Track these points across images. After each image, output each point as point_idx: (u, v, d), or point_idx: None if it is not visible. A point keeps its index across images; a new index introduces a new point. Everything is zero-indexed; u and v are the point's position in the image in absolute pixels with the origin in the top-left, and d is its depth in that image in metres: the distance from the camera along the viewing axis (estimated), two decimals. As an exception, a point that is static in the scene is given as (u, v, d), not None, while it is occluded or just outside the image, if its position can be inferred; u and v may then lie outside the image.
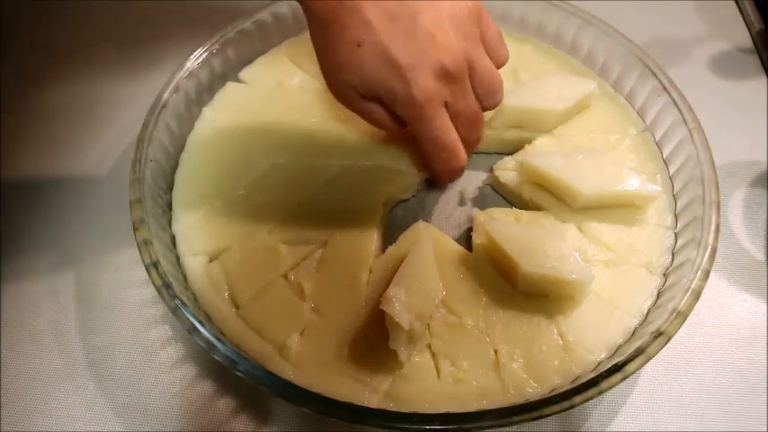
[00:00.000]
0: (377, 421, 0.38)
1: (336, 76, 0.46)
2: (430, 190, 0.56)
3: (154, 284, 0.43)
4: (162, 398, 0.47)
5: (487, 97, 0.49)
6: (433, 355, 0.44)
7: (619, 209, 0.51)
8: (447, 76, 0.45)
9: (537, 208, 0.52)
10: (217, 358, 0.40)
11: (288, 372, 0.43)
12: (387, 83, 0.44)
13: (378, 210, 0.51)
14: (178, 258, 0.49)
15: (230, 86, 0.59)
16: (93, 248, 0.54)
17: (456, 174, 0.52)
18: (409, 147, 0.54)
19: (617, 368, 0.40)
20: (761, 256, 0.54)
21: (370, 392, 0.42)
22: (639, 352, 0.41)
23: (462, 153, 0.49)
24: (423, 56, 0.44)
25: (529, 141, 0.56)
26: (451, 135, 0.48)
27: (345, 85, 0.46)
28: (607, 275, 0.48)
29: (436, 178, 0.54)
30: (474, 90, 0.47)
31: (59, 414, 0.46)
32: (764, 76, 0.67)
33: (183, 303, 0.42)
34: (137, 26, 0.71)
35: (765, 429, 0.46)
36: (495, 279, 0.47)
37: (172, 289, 0.43)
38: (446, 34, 0.44)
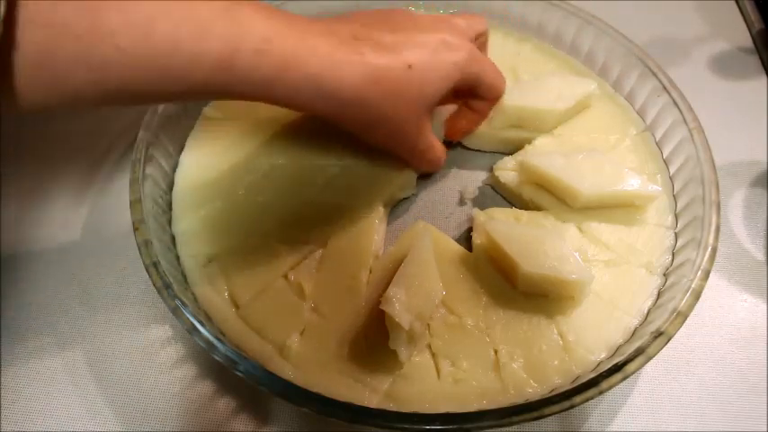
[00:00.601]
0: (377, 421, 0.38)
1: (418, 111, 0.45)
2: (430, 190, 0.56)
3: (154, 284, 0.43)
4: (162, 398, 0.47)
5: (472, 27, 0.51)
6: (433, 355, 0.44)
7: (619, 209, 0.51)
8: (460, 32, 0.48)
9: (537, 208, 0.52)
10: (217, 358, 0.40)
11: (288, 372, 0.43)
12: (453, 65, 0.45)
13: (378, 210, 0.51)
14: (178, 258, 0.49)
15: (230, 86, 0.59)
16: (93, 248, 0.54)
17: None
18: None
19: (617, 368, 0.40)
20: (761, 256, 0.54)
21: (370, 392, 0.42)
22: (639, 352, 0.41)
23: None
24: (442, 28, 0.46)
25: (529, 141, 0.55)
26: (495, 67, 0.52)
27: (424, 115, 0.46)
28: (607, 275, 0.48)
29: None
30: None
31: (59, 414, 0.46)
32: (764, 76, 0.67)
33: (183, 303, 0.42)
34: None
35: (765, 429, 0.46)
36: (495, 279, 0.47)
37: (172, 289, 0.43)
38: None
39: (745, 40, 0.71)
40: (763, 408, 0.47)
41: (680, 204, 0.51)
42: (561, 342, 0.44)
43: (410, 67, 0.42)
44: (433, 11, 0.65)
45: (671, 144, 0.54)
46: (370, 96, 0.41)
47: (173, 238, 0.50)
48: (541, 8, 0.61)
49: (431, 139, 0.49)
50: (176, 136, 0.55)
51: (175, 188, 0.53)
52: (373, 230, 0.50)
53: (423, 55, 0.43)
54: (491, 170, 0.55)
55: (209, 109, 0.57)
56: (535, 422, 0.44)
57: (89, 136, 0.62)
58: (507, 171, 0.54)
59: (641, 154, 0.55)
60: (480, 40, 0.53)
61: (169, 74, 0.31)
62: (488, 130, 0.56)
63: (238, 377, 0.40)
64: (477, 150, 0.58)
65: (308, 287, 0.47)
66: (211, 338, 0.41)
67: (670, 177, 0.53)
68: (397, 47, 0.42)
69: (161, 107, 0.52)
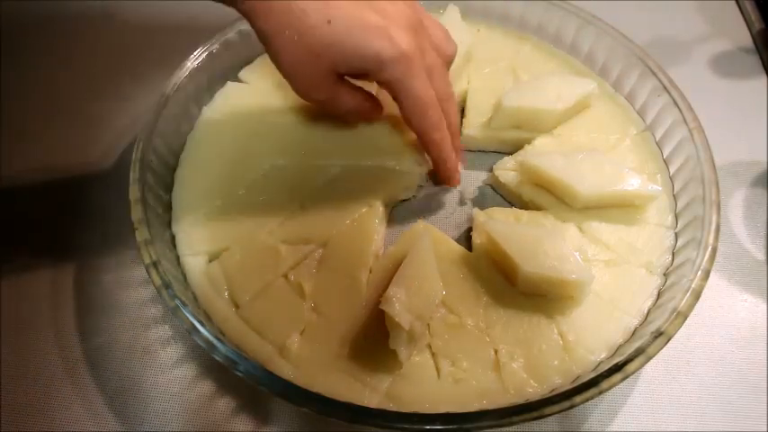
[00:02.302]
0: (377, 421, 0.38)
1: (317, 65, 0.45)
2: (430, 190, 0.56)
3: (154, 284, 0.43)
4: (162, 398, 0.47)
5: (443, 44, 0.50)
6: (433, 354, 0.44)
7: (619, 209, 0.51)
8: (414, 31, 0.46)
9: (537, 208, 0.52)
10: (217, 358, 0.40)
11: (288, 372, 0.43)
12: (371, 47, 0.44)
13: (378, 210, 0.51)
14: (178, 258, 0.49)
15: (230, 86, 0.59)
16: (93, 248, 0.54)
17: (447, 149, 0.51)
18: (409, 146, 0.54)
19: (617, 368, 0.40)
20: (761, 256, 0.54)
21: (370, 392, 0.42)
22: (639, 352, 0.41)
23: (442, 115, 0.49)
24: (390, 16, 0.45)
25: (529, 141, 0.56)
26: (432, 92, 0.48)
27: (326, 72, 0.46)
28: (607, 275, 0.48)
29: (435, 160, 0.52)
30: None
31: (59, 414, 0.46)
32: (765, 76, 0.67)
33: (183, 303, 0.42)
34: (137, 26, 0.71)
35: (765, 429, 0.46)
36: (495, 279, 0.47)
37: (172, 289, 0.43)
38: (391, 2, 0.46)
39: (746, 40, 0.71)
40: (763, 408, 0.47)
41: (680, 204, 0.51)
42: (561, 342, 0.44)
43: (329, 22, 0.43)
44: (434, 11, 0.65)
45: (671, 144, 0.54)
46: (271, 16, 0.43)
47: (173, 238, 0.50)
48: (541, 8, 0.61)
49: (340, 96, 0.48)
50: (176, 136, 0.55)
51: (175, 188, 0.53)
52: (373, 230, 0.50)
53: (348, 19, 0.43)
54: (491, 170, 0.55)
55: (209, 109, 0.57)
56: (535, 422, 0.44)
57: (90, 135, 0.62)
58: (507, 171, 0.54)
59: (641, 154, 0.55)
60: (444, 60, 0.50)
61: None
62: (488, 130, 0.57)
63: (238, 377, 0.40)
64: (477, 150, 0.58)
65: (308, 287, 0.47)
66: (211, 338, 0.41)
67: (670, 177, 0.53)
68: (333, 4, 0.43)
69: (160, 107, 0.52)
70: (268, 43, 0.45)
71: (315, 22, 0.43)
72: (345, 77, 0.48)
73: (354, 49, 0.44)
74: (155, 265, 0.44)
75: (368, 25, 0.44)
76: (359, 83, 0.50)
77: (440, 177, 0.53)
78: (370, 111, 0.52)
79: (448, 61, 0.51)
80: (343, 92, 0.49)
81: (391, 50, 0.44)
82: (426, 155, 0.53)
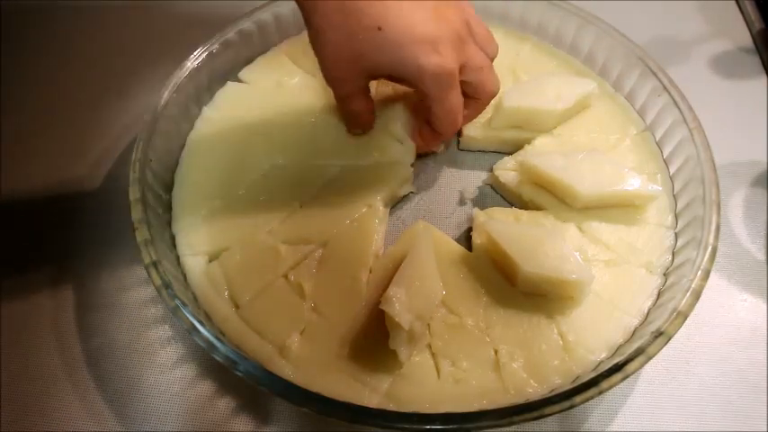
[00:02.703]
0: (377, 421, 0.38)
1: (357, 64, 0.46)
2: (430, 190, 0.56)
3: (154, 284, 0.43)
4: (162, 398, 0.47)
5: (488, 46, 0.51)
6: (433, 355, 0.44)
7: (619, 208, 0.50)
8: (461, 41, 0.47)
9: (537, 208, 0.52)
10: (217, 358, 0.40)
11: (288, 372, 0.43)
12: (416, 62, 0.45)
13: (378, 210, 0.51)
14: (178, 258, 0.49)
15: (230, 86, 0.59)
16: (93, 248, 0.54)
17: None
18: (401, 111, 0.55)
19: (617, 368, 0.40)
20: (761, 256, 0.54)
21: (370, 392, 0.42)
22: (640, 352, 0.41)
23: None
24: (440, 29, 0.45)
25: (529, 141, 0.56)
26: (460, 99, 0.50)
27: (362, 71, 0.47)
28: (607, 275, 0.48)
29: (433, 137, 0.54)
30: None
31: (59, 414, 0.46)
32: (765, 76, 0.67)
33: (183, 303, 0.42)
34: (137, 26, 0.71)
35: (765, 429, 0.46)
36: (495, 279, 0.47)
37: (172, 289, 0.43)
38: (445, 3, 0.47)
39: (746, 40, 0.70)
40: (763, 408, 0.47)
41: (680, 204, 0.51)
42: (561, 342, 0.44)
43: (379, 29, 0.44)
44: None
45: (671, 144, 0.54)
46: (327, 13, 0.44)
47: (173, 238, 0.50)
48: (541, 8, 0.61)
49: (358, 97, 0.50)
50: (176, 136, 0.55)
51: (175, 188, 0.53)
52: (373, 230, 0.50)
53: (399, 29, 0.44)
54: (491, 170, 0.55)
55: (209, 109, 0.57)
56: (535, 422, 0.44)
57: (89, 135, 0.62)
58: (507, 171, 0.54)
59: (641, 154, 0.55)
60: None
61: None
62: (488, 130, 0.56)
63: (238, 377, 0.40)
64: (477, 150, 0.58)
65: (308, 287, 0.47)
66: (211, 338, 0.41)
67: (670, 177, 0.53)
68: (389, 8, 0.44)
69: (160, 107, 0.52)
70: (316, 36, 0.46)
71: (366, 25, 0.44)
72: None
73: (400, 59, 0.45)
74: (155, 265, 0.44)
75: (417, 39, 0.44)
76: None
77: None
78: (367, 123, 0.54)
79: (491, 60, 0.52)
80: (362, 94, 0.50)
81: (436, 68, 0.45)
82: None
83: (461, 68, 0.48)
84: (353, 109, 0.52)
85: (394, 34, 0.44)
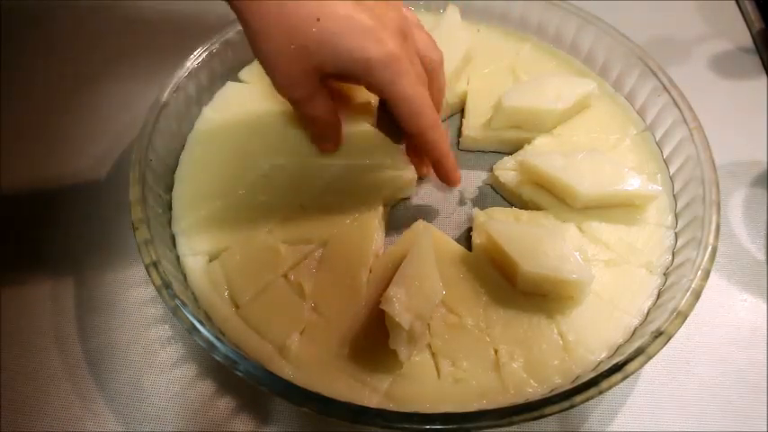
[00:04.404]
0: (377, 421, 0.38)
1: (303, 62, 0.45)
2: (430, 190, 0.56)
3: (154, 284, 0.43)
4: (162, 398, 0.47)
5: (429, 51, 0.49)
6: (433, 354, 0.44)
7: (619, 208, 0.51)
8: (402, 36, 0.46)
9: (537, 208, 0.52)
10: (217, 358, 0.40)
11: (288, 372, 0.43)
12: (361, 50, 0.43)
13: (378, 210, 0.51)
14: (178, 258, 0.49)
15: (230, 86, 0.59)
16: (93, 248, 0.54)
17: (445, 149, 0.50)
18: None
19: (617, 368, 0.40)
20: (761, 256, 0.54)
21: (370, 392, 0.42)
22: (640, 352, 0.41)
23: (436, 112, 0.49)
24: (379, 18, 0.44)
25: (528, 141, 0.56)
26: (423, 90, 0.47)
27: (310, 69, 0.45)
28: (607, 275, 0.48)
29: (434, 161, 0.51)
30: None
31: (59, 414, 0.46)
32: (765, 76, 0.67)
33: (183, 303, 0.42)
34: (137, 26, 0.71)
35: (765, 429, 0.46)
36: (495, 279, 0.47)
37: (172, 289, 0.43)
38: (383, 3, 0.46)
39: (745, 40, 0.71)
40: (763, 408, 0.47)
41: (680, 204, 0.51)
42: (561, 342, 0.44)
43: (318, 20, 0.43)
44: (434, 11, 0.65)
45: (671, 144, 0.54)
46: (263, 12, 0.44)
47: (173, 238, 0.50)
48: (541, 8, 0.61)
49: (314, 99, 0.48)
50: (176, 136, 0.55)
51: (175, 188, 0.53)
52: (373, 230, 0.50)
53: (338, 18, 0.43)
54: (491, 170, 0.55)
55: (209, 109, 0.57)
56: (535, 422, 0.44)
57: (89, 135, 0.62)
58: (507, 171, 0.54)
59: (641, 154, 0.55)
60: (431, 66, 0.49)
61: None
62: (488, 130, 0.56)
63: (238, 377, 0.40)
64: (477, 150, 0.58)
65: (307, 287, 0.47)
66: (211, 338, 0.41)
67: (670, 177, 0.53)
68: (326, 3, 0.43)
69: (160, 107, 0.52)
70: (255, 38, 0.45)
71: (305, 19, 0.43)
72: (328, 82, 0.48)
73: (343, 49, 0.44)
74: (155, 265, 0.44)
75: (357, 26, 0.43)
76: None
77: (440, 177, 0.53)
78: (334, 127, 0.51)
79: (435, 68, 0.50)
80: (320, 94, 0.48)
81: (380, 52, 0.44)
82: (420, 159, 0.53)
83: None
84: (312, 114, 0.49)
85: (333, 23, 0.43)
